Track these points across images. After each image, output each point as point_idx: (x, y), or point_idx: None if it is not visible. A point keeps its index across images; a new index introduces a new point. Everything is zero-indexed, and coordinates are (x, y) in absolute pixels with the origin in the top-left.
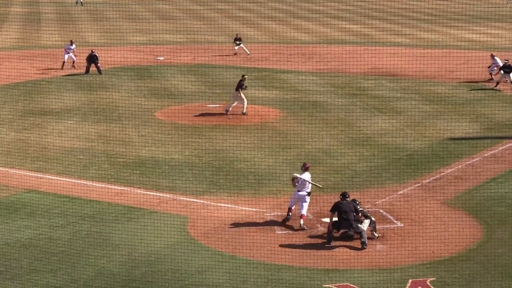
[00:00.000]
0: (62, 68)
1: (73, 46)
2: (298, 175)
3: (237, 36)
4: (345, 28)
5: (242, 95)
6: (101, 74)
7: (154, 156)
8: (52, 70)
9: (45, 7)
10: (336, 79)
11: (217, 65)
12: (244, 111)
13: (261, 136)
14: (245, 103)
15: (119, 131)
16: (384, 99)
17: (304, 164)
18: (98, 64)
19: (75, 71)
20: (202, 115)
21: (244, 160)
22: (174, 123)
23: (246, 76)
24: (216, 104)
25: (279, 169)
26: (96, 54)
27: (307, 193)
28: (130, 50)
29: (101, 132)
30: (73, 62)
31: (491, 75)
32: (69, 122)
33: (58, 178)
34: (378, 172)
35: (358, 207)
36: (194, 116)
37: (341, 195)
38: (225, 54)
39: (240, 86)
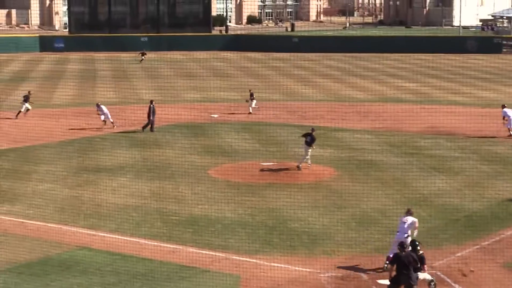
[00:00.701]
0: (102, 128)
1: (102, 107)
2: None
3: (250, 92)
4: (401, 86)
5: (309, 150)
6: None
7: (207, 214)
8: (106, 127)
9: (101, 64)
10: (392, 138)
11: (271, 123)
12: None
13: (315, 195)
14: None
15: (172, 189)
16: (441, 159)
17: (409, 210)
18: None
19: (117, 130)
20: (256, 172)
21: (298, 220)
22: (228, 181)
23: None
24: (270, 162)
25: (334, 229)
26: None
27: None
28: (185, 108)
29: (154, 190)
30: (111, 122)
31: None
32: (122, 179)
33: (111, 236)
34: (435, 233)
35: (420, 251)
36: (246, 172)
37: (399, 245)
38: (278, 111)
39: (313, 140)
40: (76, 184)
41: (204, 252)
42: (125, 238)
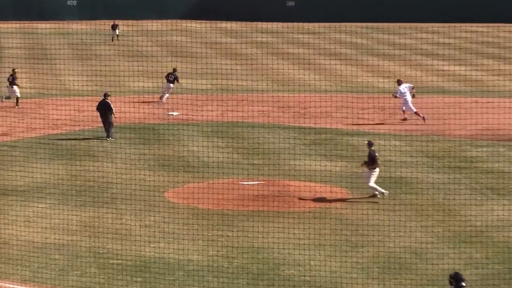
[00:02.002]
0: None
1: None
2: None
3: (114, 23)
4: (444, 70)
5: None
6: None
7: (163, 256)
8: (18, 130)
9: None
10: (430, 145)
11: (256, 123)
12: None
13: (320, 228)
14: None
15: (113, 219)
16: (502, 175)
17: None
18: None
19: (34, 134)
20: (235, 195)
21: (295, 264)
22: (193, 208)
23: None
24: (254, 180)
25: (347, 277)
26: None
27: None
28: (131, 102)
29: (87, 221)
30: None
31: None
32: (40, 205)
33: None
34: (495, 283)
35: None
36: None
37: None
38: (267, 106)
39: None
40: None
41: None
42: None
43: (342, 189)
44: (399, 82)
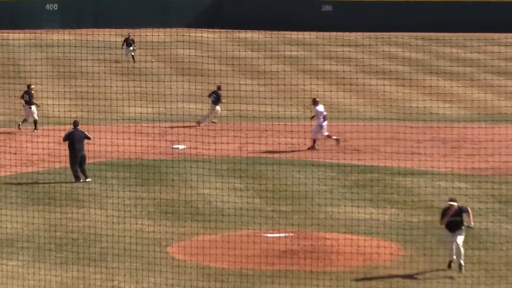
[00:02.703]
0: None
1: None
2: None
3: (129, 36)
4: None
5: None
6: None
7: None
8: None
9: None
10: (504, 188)
11: (283, 160)
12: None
13: None
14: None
15: (102, 281)
16: None
17: None
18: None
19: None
20: (256, 251)
21: None
22: (204, 266)
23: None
24: (282, 232)
25: None
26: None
27: None
28: (126, 132)
29: (69, 283)
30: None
31: None
32: (10, 263)
33: None
34: None
35: None
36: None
37: None
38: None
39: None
40: None
41: None
42: None
43: (393, 243)
44: (315, 102)
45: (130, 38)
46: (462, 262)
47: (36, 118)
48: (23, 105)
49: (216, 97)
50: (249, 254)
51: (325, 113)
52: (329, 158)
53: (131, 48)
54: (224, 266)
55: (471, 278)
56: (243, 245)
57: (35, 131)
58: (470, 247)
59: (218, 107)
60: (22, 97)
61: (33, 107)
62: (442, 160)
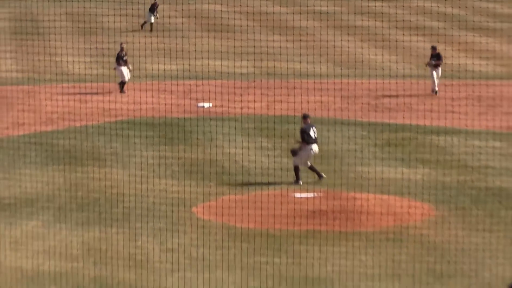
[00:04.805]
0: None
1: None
2: None
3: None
4: None
5: None
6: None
7: None
8: (2, 126)
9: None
10: None
11: (312, 118)
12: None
13: (395, 253)
14: None
15: (126, 242)
16: None
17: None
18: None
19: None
20: (284, 211)
21: None
22: (230, 227)
23: None
24: (310, 192)
25: None
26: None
27: None
28: (150, 90)
29: (91, 243)
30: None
31: None
32: (31, 223)
33: None
34: None
35: None
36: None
37: None
38: (327, 96)
39: None
40: None
41: None
42: None
43: (425, 203)
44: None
45: (157, 4)
46: None
47: (126, 79)
48: (114, 68)
49: None
50: (276, 214)
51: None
52: (360, 116)
53: (154, 13)
54: (250, 226)
55: (504, 239)
56: (271, 205)
57: (122, 93)
58: (504, 206)
59: None
60: (120, 57)
61: (124, 68)
62: (477, 118)
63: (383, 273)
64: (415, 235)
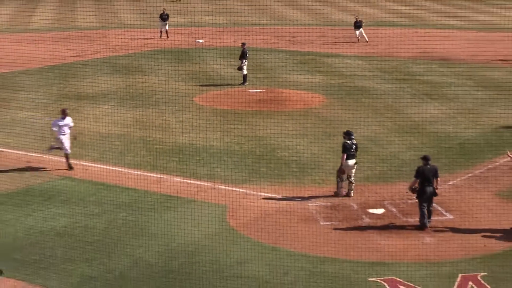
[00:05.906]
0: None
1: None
2: None
3: (356, 19)
4: (394, 9)
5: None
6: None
7: (193, 142)
8: (88, 52)
9: None
10: (384, 64)
11: (259, 48)
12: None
13: (304, 123)
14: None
15: (157, 117)
16: (434, 85)
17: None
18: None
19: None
20: (243, 99)
21: (286, 148)
22: (214, 108)
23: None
24: (257, 89)
25: (323, 157)
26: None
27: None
28: (169, 33)
29: (138, 118)
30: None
31: None
32: (105, 107)
33: (94, 165)
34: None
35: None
36: (233, 99)
37: (423, 158)
38: (267, 36)
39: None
40: (57, 112)
41: (190, 181)
42: (108, 167)
43: (320, 95)
44: (64, 113)
45: (165, 13)
46: None
47: (167, 28)
48: (160, 22)
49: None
50: (239, 101)
51: (71, 124)
52: (285, 47)
53: (166, 23)
54: (224, 108)
55: (361, 117)
56: (236, 97)
57: (161, 38)
58: (365, 96)
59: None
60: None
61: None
62: (348, 48)
63: (298, 134)
64: (315, 112)
